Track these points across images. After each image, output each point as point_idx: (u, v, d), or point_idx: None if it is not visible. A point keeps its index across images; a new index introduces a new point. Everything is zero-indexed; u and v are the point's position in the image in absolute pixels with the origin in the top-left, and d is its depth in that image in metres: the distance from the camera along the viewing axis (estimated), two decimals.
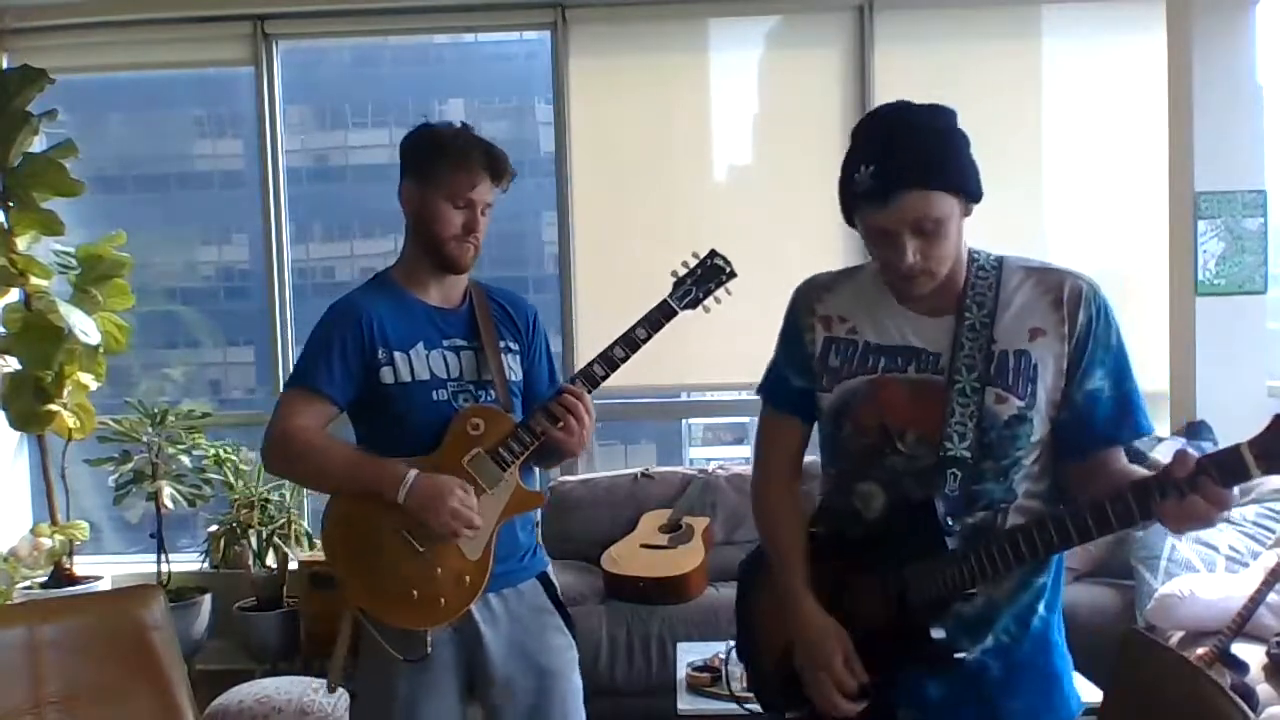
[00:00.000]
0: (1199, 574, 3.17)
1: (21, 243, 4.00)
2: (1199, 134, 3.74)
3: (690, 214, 4.50)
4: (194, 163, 5.19)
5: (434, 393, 1.91)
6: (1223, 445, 1.23)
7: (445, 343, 1.94)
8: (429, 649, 1.86)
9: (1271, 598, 2.75)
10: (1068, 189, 4.42)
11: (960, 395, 1.41)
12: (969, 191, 1.41)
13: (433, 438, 1.88)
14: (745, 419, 5.72)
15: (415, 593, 1.84)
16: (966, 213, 1.44)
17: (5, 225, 3.98)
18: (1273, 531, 3.25)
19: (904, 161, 1.36)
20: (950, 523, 1.40)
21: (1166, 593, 3.04)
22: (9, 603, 3.68)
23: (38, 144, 4.13)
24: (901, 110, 1.45)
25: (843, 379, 1.51)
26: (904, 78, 4.37)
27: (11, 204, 3.97)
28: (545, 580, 2.03)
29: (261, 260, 4.62)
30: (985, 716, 1.47)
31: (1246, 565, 3.17)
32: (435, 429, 1.88)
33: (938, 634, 1.40)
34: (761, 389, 1.69)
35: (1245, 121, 3.77)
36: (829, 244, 4.43)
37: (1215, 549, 3.25)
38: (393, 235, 5.35)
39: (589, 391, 1.89)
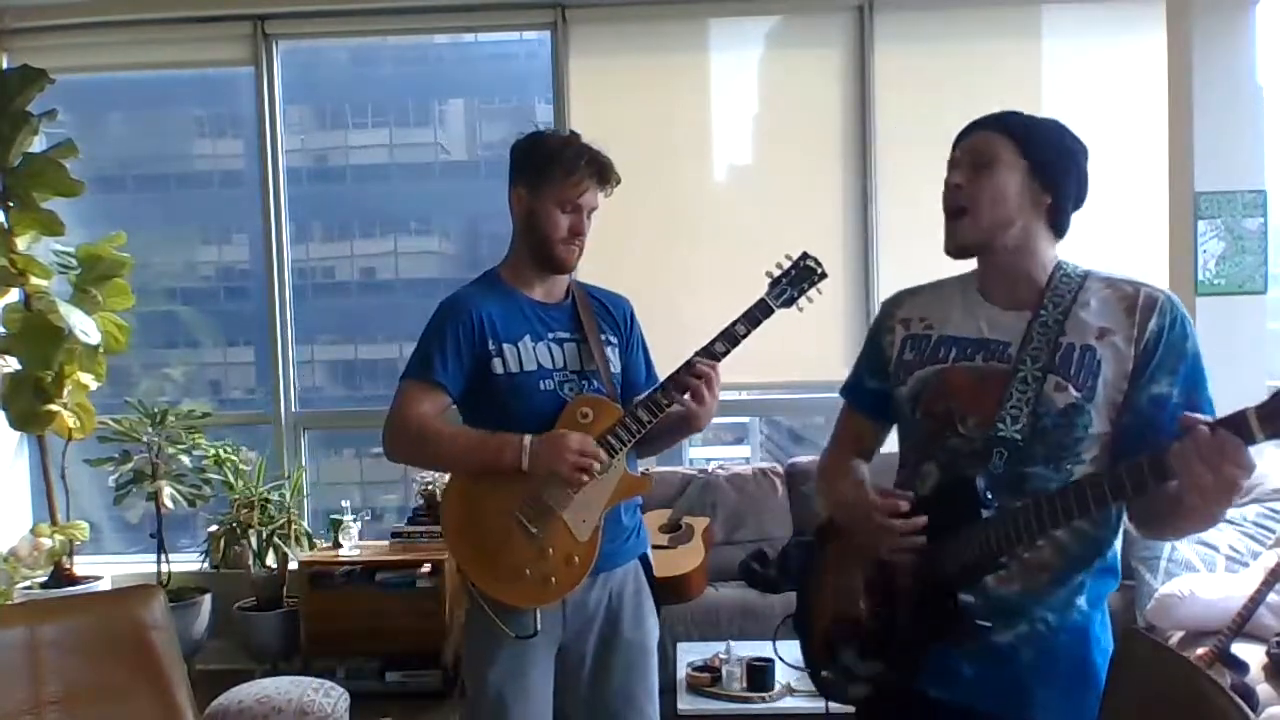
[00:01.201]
0: (1199, 574, 3.18)
1: (21, 243, 4.00)
2: (1199, 134, 3.73)
3: (690, 214, 4.50)
4: (194, 163, 5.19)
5: (541, 382, 2.01)
6: None
7: (550, 335, 2.05)
8: (538, 627, 1.96)
9: (1271, 598, 2.75)
10: None
11: (1021, 382, 1.46)
12: (1038, 160, 1.48)
13: (540, 426, 1.96)
14: (745, 419, 5.73)
15: (527, 572, 1.94)
16: (1043, 200, 1.50)
17: (5, 225, 3.98)
18: (1273, 531, 3.26)
19: (993, 115, 1.54)
20: (989, 496, 1.42)
21: (1166, 593, 3.04)
22: (9, 603, 3.68)
23: (38, 144, 4.13)
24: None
25: (915, 370, 1.58)
26: (904, 78, 4.38)
27: (11, 204, 3.98)
28: (644, 561, 2.13)
29: (261, 260, 4.63)
30: (1016, 701, 1.49)
31: (1246, 565, 3.18)
32: (543, 417, 1.97)
33: (966, 599, 1.43)
34: (843, 388, 1.79)
35: (1245, 121, 3.76)
36: (829, 243, 4.44)
37: (1215, 549, 3.25)
38: (392, 235, 5.38)
39: None
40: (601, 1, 4.48)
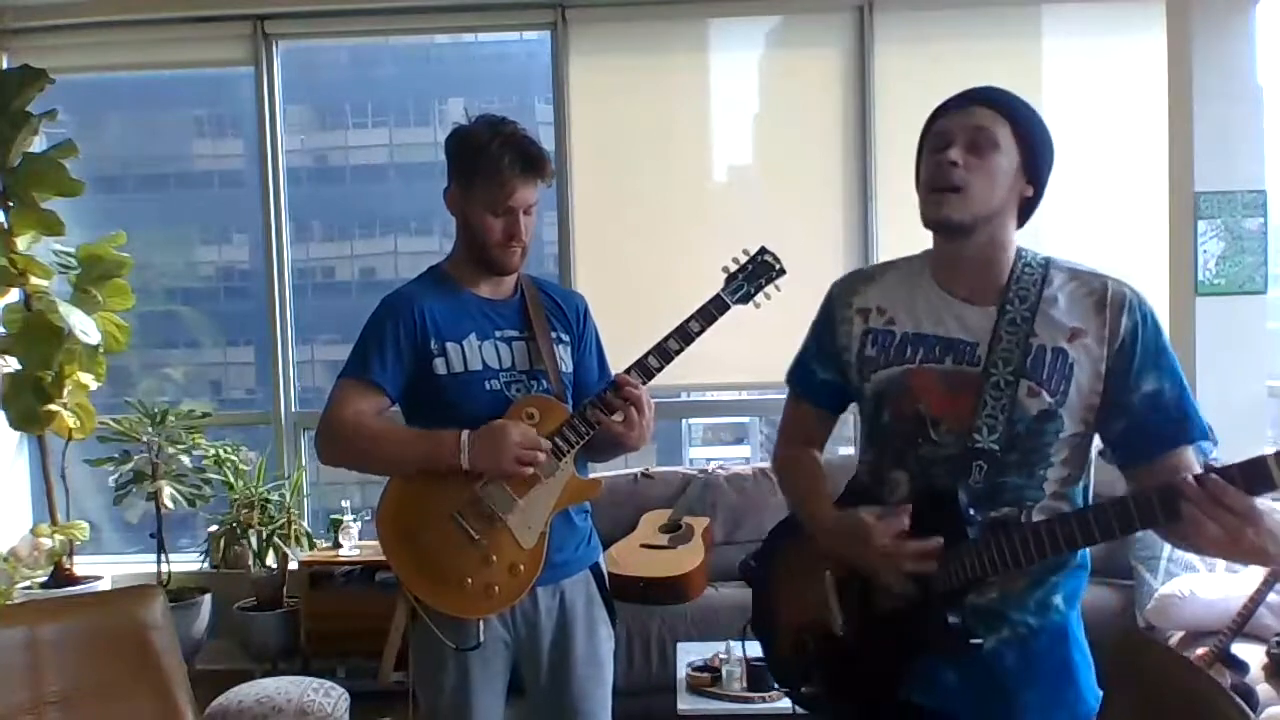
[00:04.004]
0: (1199, 574, 3.17)
1: (21, 243, 3.99)
2: (1199, 134, 3.73)
3: (690, 214, 4.50)
4: (194, 163, 5.19)
5: (486, 382, 1.92)
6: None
7: (497, 334, 1.96)
8: (481, 638, 1.89)
9: (1271, 598, 2.75)
10: (1067, 189, 4.40)
11: (994, 388, 1.42)
12: (1031, 154, 1.46)
13: None
14: (745, 419, 5.73)
15: (469, 580, 1.85)
16: (1025, 191, 1.48)
17: (5, 225, 3.98)
18: None
19: (992, 92, 1.48)
20: (973, 513, 1.40)
21: (1166, 593, 3.04)
22: (9, 603, 3.67)
23: (38, 144, 4.13)
24: None
25: (879, 369, 1.53)
26: (904, 78, 4.38)
27: (11, 204, 3.97)
28: (596, 570, 2.05)
29: (262, 260, 4.62)
30: (999, 706, 1.48)
31: (1246, 565, 3.17)
32: (488, 419, 1.87)
33: (954, 620, 1.40)
34: (789, 375, 1.72)
35: (1245, 121, 3.76)
36: (829, 244, 4.44)
37: None
38: (392, 235, 5.38)
39: (644, 383, 1.89)
40: (601, 1, 4.48)
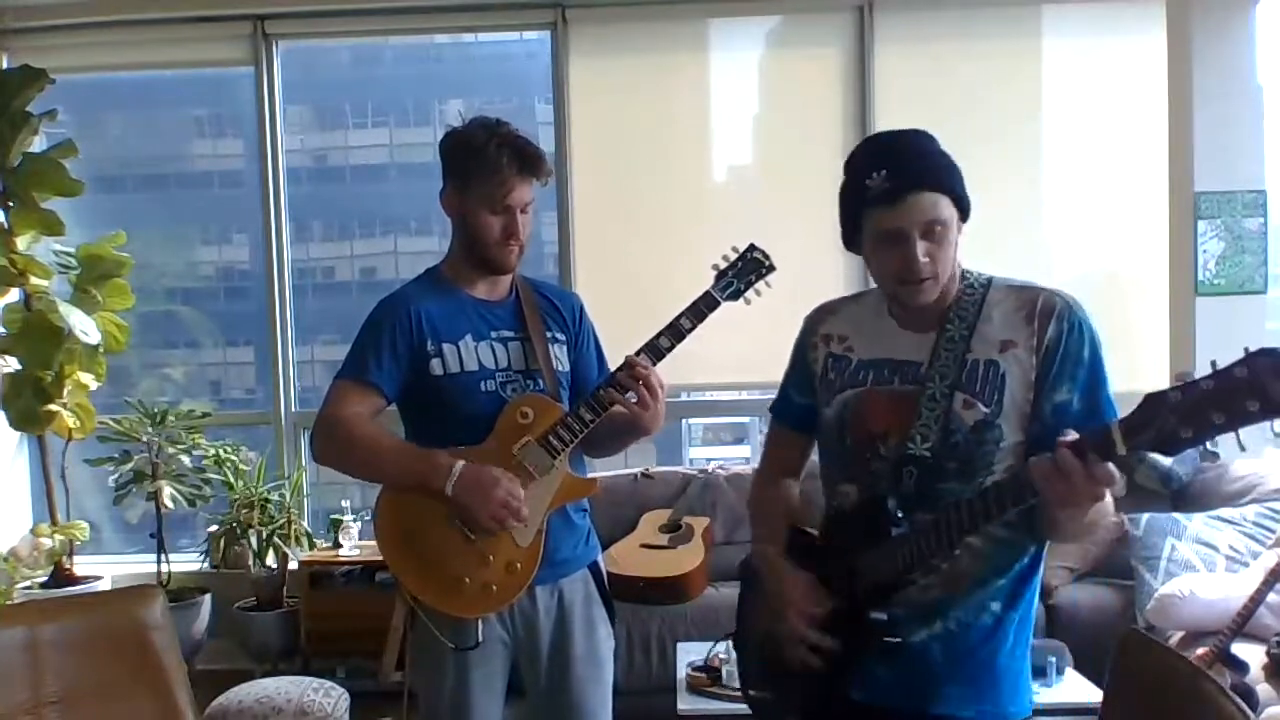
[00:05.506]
0: (1199, 574, 3.17)
1: (21, 243, 3.99)
2: (1199, 134, 3.73)
3: (690, 214, 4.50)
4: (194, 163, 5.19)
5: (483, 383, 1.94)
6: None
7: (493, 334, 1.98)
8: (480, 638, 1.90)
9: (1271, 598, 2.75)
10: (1068, 189, 4.42)
11: (929, 400, 1.48)
12: (964, 206, 1.50)
13: (482, 428, 1.90)
14: (745, 419, 5.72)
15: (466, 580, 1.87)
16: (959, 230, 1.52)
17: (5, 225, 3.98)
18: (1273, 531, 3.25)
19: (917, 166, 1.47)
20: (900, 515, 1.46)
21: (1166, 593, 3.04)
22: (9, 603, 3.67)
23: (38, 144, 4.13)
24: (899, 131, 1.55)
25: (837, 392, 1.60)
26: (904, 78, 4.37)
27: (11, 204, 3.97)
28: (594, 570, 2.06)
29: (262, 260, 4.63)
30: (924, 695, 1.53)
31: (1246, 565, 3.17)
32: (485, 419, 1.90)
33: (877, 617, 1.47)
34: (771, 407, 1.80)
35: (1245, 121, 3.77)
36: (829, 244, 4.42)
37: (1215, 549, 3.25)
38: (392, 235, 5.38)
39: None
40: (601, 1, 4.48)
